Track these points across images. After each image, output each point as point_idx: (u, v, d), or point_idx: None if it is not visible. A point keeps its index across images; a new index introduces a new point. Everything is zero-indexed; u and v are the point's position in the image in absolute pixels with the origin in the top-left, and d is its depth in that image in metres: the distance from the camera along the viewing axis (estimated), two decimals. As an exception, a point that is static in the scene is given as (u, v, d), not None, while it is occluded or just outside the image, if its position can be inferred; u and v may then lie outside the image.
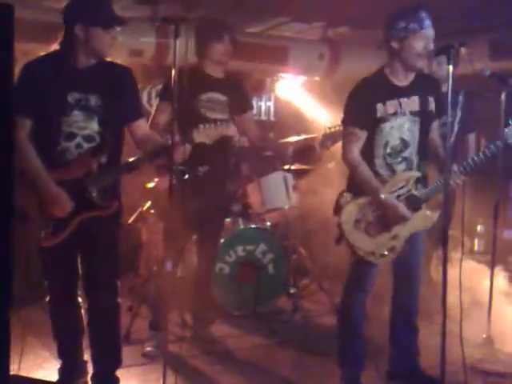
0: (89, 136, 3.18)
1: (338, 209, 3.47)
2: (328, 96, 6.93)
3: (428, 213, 3.45)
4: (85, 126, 3.17)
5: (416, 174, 3.43)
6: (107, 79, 3.20)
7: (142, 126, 3.38)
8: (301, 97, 7.32)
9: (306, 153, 5.67)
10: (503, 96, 4.00)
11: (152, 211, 5.03)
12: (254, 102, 7.41)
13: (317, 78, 7.03)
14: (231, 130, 3.37)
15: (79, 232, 3.20)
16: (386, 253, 3.40)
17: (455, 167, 3.35)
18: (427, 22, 3.29)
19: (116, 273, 3.36)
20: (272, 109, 7.60)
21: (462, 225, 3.32)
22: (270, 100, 7.58)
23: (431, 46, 3.31)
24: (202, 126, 3.27)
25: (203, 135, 3.26)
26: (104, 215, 3.19)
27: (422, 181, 3.47)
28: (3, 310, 1.66)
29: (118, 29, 3.21)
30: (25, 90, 3.07)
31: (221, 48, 4.19)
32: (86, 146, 3.18)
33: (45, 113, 3.12)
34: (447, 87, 3.05)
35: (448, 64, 3.04)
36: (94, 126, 3.18)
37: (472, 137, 4.53)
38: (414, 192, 3.41)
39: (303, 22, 6.17)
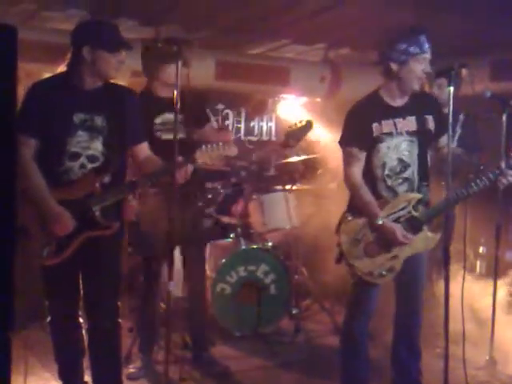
0: (92, 156, 3.20)
1: (339, 228, 3.47)
2: (329, 117, 6.96)
3: (429, 234, 3.43)
4: (89, 146, 3.19)
5: (417, 195, 3.42)
6: (112, 101, 3.24)
7: (144, 149, 3.41)
8: (302, 117, 7.34)
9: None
10: (504, 117, 4.00)
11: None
12: (256, 123, 7.48)
13: (318, 99, 7.07)
14: (232, 151, 3.38)
15: (81, 252, 3.20)
16: (384, 273, 3.39)
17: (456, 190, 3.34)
18: (427, 46, 3.30)
19: (117, 293, 3.36)
20: (273, 129, 7.63)
21: (463, 245, 3.31)
22: (271, 120, 7.62)
23: (429, 69, 3.32)
24: (204, 146, 3.29)
25: (206, 156, 3.28)
26: (106, 235, 3.20)
27: (424, 202, 3.46)
28: (4, 330, 1.66)
29: (124, 53, 3.23)
30: (31, 110, 3.12)
31: (172, 71, 3.98)
32: (89, 166, 3.20)
33: (50, 133, 3.15)
34: (448, 109, 3.05)
35: (449, 86, 3.05)
36: (97, 146, 3.21)
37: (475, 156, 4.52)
38: (415, 213, 3.40)
39: (305, 43, 6.22)
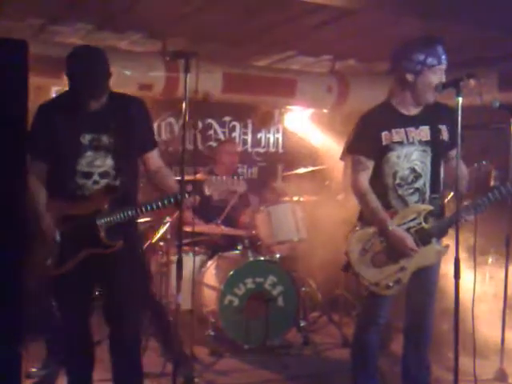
0: (105, 172, 3.22)
1: (347, 237, 3.46)
2: (336, 128, 6.98)
3: (438, 247, 3.40)
4: (100, 165, 3.21)
5: (428, 207, 3.38)
6: (117, 115, 3.23)
7: (154, 158, 3.39)
8: (309, 129, 7.36)
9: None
10: (513, 127, 3.99)
11: (161, 243, 5.03)
12: (263, 135, 7.49)
13: (325, 111, 7.07)
14: (241, 187, 3.40)
15: (95, 265, 3.21)
16: (391, 284, 3.36)
17: (467, 203, 3.32)
18: (444, 57, 3.29)
19: (137, 306, 3.41)
20: (280, 141, 7.63)
21: (474, 255, 3.28)
22: (278, 132, 7.62)
23: (443, 79, 3.30)
24: (214, 178, 3.30)
25: (213, 188, 3.29)
26: (110, 252, 3.20)
27: (435, 214, 3.41)
28: (15, 345, 1.66)
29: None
30: (37, 133, 3.15)
31: None
32: (102, 181, 3.22)
33: (59, 155, 3.18)
34: (457, 119, 3.04)
35: (457, 96, 3.04)
36: (108, 163, 3.22)
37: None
38: (425, 225, 3.37)
39: (311, 55, 6.23)
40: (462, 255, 3.08)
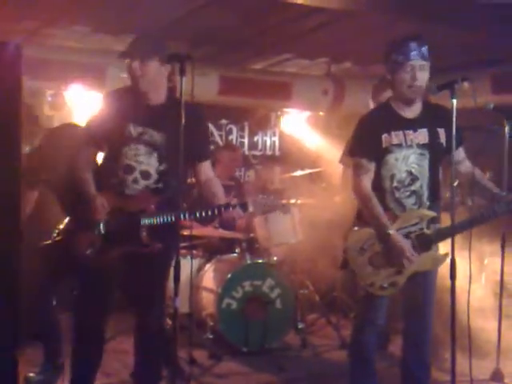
0: (146, 172, 3.25)
1: (347, 236, 3.45)
2: (333, 130, 6.99)
3: (437, 254, 3.37)
4: (143, 161, 3.24)
5: (431, 213, 3.36)
6: (175, 117, 3.17)
7: (205, 168, 3.42)
8: (306, 131, 7.38)
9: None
10: (507, 129, 4.01)
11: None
12: (259, 137, 7.51)
13: (321, 113, 7.09)
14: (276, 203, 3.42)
15: (127, 262, 3.28)
16: (386, 286, 3.34)
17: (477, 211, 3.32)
18: (414, 53, 3.24)
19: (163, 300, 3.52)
20: (277, 144, 7.65)
21: (469, 258, 3.29)
22: (275, 135, 7.64)
23: (419, 77, 3.26)
24: (257, 197, 3.30)
25: (258, 207, 3.28)
26: (147, 252, 3.25)
27: (435, 220, 3.39)
28: (11, 349, 1.66)
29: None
30: (100, 119, 3.29)
31: None
32: (141, 182, 3.25)
33: (109, 142, 3.27)
34: (451, 122, 3.05)
35: (452, 99, 3.05)
36: (152, 162, 3.25)
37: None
38: (427, 231, 3.35)
39: (307, 57, 6.25)
40: (458, 256, 3.09)
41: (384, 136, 3.35)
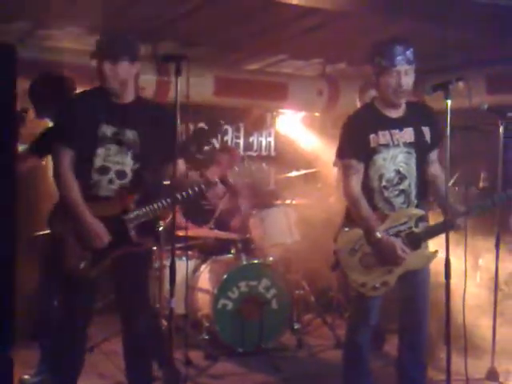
0: (122, 172, 3.23)
1: (337, 236, 3.46)
2: (328, 131, 7.00)
3: (427, 252, 3.40)
4: (118, 161, 3.22)
5: (419, 212, 3.38)
6: (147, 116, 3.25)
7: (180, 165, 3.41)
8: (301, 132, 7.38)
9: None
10: (501, 129, 4.02)
11: (154, 248, 5.03)
12: (255, 138, 7.51)
13: (317, 114, 7.10)
14: (261, 170, 3.42)
15: (116, 265, 3.27)
16: (377, 286, 3.35)
17: (459, 207, 3.32)
18: (399, 58, 3.25)
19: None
20: (272, 144, 7.65)
21: (464, 257, 3.30)
22: (270, 135, 7.63)
23: (404, 82, 3.28)
24: (236, 168, 3.31)
25: (236, 175, 3.30)
26: (140, 251, 3.26)
27: (424, 218, 3.41)
28: (5, 348, 1.66)
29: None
30: (66, 120, 3.21)
31: None
32: (117, 181, 3.23)
33: (81, 144, 3.19)
34: (445, 122, 3.06)
35: (446, 99, 3.06)
36: (127, 161, 3.24)
37: None
38: (415, 230, 3.37)
39: (302, 58, 6.26)
40: (452, 255, 3.10)
41: (371, 136, 3.37)
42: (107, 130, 3.21)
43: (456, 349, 3.16)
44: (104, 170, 3.21)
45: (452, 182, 3.50)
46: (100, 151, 3.20)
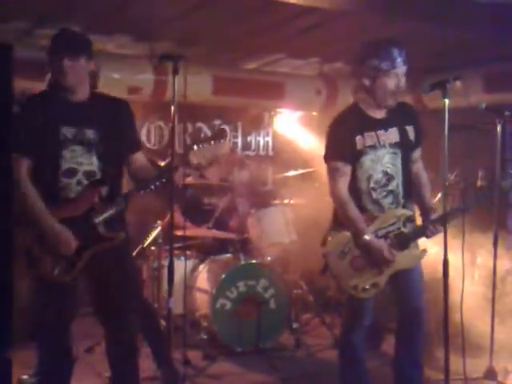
0: (91, 172, 3.19)
1: (324, 240, 3.46)
2: (326, 130, 6.97)
3: (415, 251, 3.40)
4: (83, 162, 3.18)
5: (407, 212, 3.39)
6: (102, 112, 3.22)
7: (139, 158, 3.39)
8: (299, 131, 7.38)
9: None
10: (499, 128, 4.03)
11: (153, 248, 5.03)
12: (253, 138, 7.51)
13: (314, 113, 7.09)
14: (225, 149, 3.36)
15: (89, 266, 3.20)
16: (367, 287, 3.34)
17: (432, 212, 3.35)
18: (399, 60, 3.25)
19: (133, 302, 3.38)
20: (270, 144, 7.65)
21: (462, 255, 3.30)
22: (268, 135, 7.63)
23: (402, 84, 3.29)
24: (196, 146, 3.28)
25: (199, 156, 3.27)
26: (113, 246, 3.20)
27: (411, 218, 3.42)
28: (4, 349, 1.65)
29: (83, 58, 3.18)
30: (21, 128, 3.06)
31: None
32: (85, 182, 3.18)
33: (42, 149, 3.11)
34: (443, 120, 3.06)
35: (443, 98, 3.06)
36: (93, 161, 3.19)
37: None
38: (404, 230, 3.36)
39: (299, 57, 6.25)
40: (450, 252, 3.10)
41: (357, 138, 3.36)
42: (67, 132, 3.15)
43: (454, 348, 3.17)
44: (71, 173, 3.15)
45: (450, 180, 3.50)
46: (65, 153, 3.14)
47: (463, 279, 3.23)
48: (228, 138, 6.92)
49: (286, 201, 5.71)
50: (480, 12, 4.46)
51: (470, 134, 4.17)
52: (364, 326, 3.49)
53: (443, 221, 3.20)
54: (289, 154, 7.32)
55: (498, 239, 4.26)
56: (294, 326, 5.24)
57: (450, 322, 3.07)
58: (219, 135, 3.43)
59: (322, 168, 6.03)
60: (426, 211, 3.42)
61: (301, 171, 5.93)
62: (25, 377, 4.02)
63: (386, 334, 4.81)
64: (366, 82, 3.33)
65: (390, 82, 3.28)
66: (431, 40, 4.72)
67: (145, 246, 5.08)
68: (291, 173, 6.00)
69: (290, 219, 5.33)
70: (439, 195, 3.80)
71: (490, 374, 4.22)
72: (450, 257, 3.10)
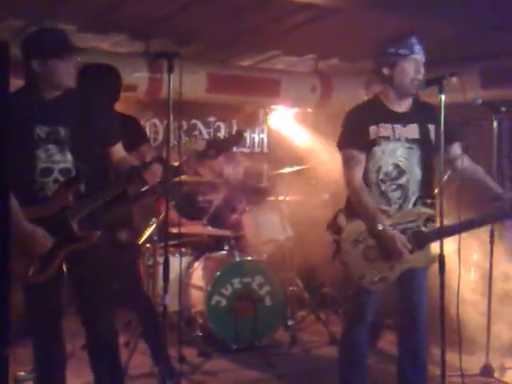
0: (66, 169, 3.15)
1: (334, 225, 3.38)
2: (321, 127, 6.99)
3: (431, 254, 3.33)
4: (59, 160, 3.14)
5: (428, 211, 3.35)
6: (75, 108, 3.17)
7: (118, 150, 3.33)
8: (294, 128, 7.37)
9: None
10: (495, 124, 4.03)
11: (148, 245, 5.01)
12: (248, 135, 7.50)
13: (309, 110, 7.09)
14: (199, 145, 3.33)
15: (67, 265, 3.17)
16: (376, 279, 3.29)
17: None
18: (417, 47, 3.30)
19: (112, 302, 3.34)
20: (265, 141, 7.64)
21: (458, 251, 3.29)
22: (263, 132, 7.63)
23: (422, 71, 3.31)
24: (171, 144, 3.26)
25: (173, 153, 3.25)
26: (88, 245, 3.14)
27: (432, 218, 3.37)
28: (1, 346, 1.64)
29: (79, 58, 3.20)
30: None
31: None
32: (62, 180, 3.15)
33: (17, 150, 3.05)
34: (440, 117, 3.06)
35: (440, 94, 3.06)
36: (68, 159, 3.15)
37: None
38: (424, 229, 3.33)
39: (294, 54, 6.24)
40: (446, 250, 3.10)
41: (372, 128, 3.34)
42: (41, 131, 3.12)
43: (450, 344, 3.16)
44: (47, 172, 3.12)
45: (445, 178, 3.48)
46: (40, 153, 3.11)
47: (459, 276, 3.22)
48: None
49: (281, 197, 5.70)
50: (475, 7, 4.46)
51: (467, 129, 4.15)
52: (366, 322, 3.46)
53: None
54: (284, 151, 7.31)
55: (494, 236, 4.27)
56: (290, 322, 5.25)
57: (447, 319, 3.06)
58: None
59: (317, 165, 6.07)
60: (499, 196, 3.35)
61: (296, 168, 5.92)
62: (22, 373, 4.01)
63: (383, 330, 4.81)
64: (386, 71, 3.34)
65: (410, 67, 3.29)
66: (426, 35, 4.71)
67: (140, 243, 5.06)
68: (286, 170, 5.99)
69: (285, 216, 5.32)
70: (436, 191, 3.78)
71: (487, 370, 4.23)
72: (446, 253, 3.09)
